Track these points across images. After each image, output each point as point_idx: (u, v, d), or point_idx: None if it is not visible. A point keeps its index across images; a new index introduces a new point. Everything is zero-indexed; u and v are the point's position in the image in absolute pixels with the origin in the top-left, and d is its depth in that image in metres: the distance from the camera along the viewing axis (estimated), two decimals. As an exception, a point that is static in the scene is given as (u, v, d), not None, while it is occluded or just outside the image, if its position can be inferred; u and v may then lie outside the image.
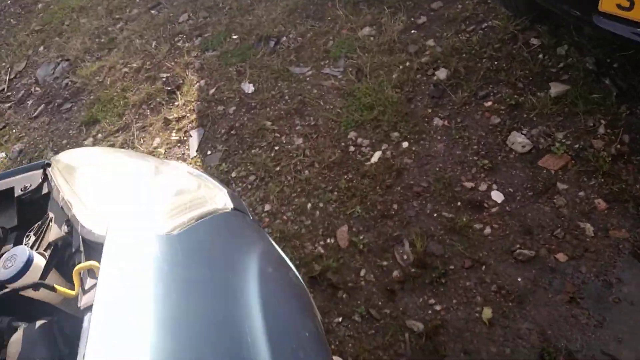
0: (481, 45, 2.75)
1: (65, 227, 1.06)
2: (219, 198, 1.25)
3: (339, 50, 3.06)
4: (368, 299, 1.93)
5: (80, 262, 0.95)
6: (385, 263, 2.03)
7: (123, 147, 2.91)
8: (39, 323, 0.94)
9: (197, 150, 2.74)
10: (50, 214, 1.19)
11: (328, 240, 2.16)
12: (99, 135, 3.08)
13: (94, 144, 3.02)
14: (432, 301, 1.87)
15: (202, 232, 1.04)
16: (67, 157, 1.41)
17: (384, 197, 2.24)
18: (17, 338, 1.01)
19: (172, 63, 3.40)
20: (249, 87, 3.00)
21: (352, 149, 2.48)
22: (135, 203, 1.12)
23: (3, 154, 3.28)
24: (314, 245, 2.16)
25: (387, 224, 2.15)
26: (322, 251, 2.12)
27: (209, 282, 0.91)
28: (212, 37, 3.55)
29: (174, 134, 2.87)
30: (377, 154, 2.42)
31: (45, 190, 1.33)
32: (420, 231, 2.07)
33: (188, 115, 2.95)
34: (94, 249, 0.94)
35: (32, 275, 0.99)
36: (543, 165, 2.15)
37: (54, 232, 1.11)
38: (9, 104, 3.71)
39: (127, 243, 0.92)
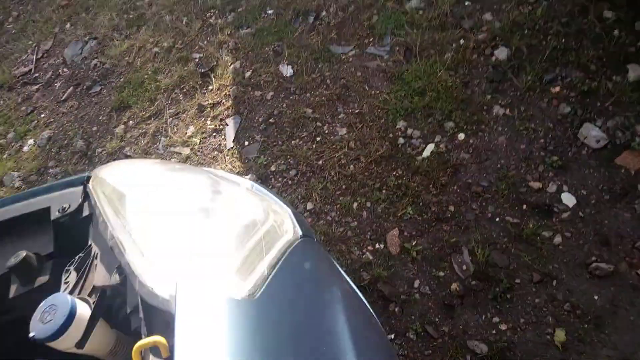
0: (546, 20, 2.44)
1: (117, 274, 0.91)
2: (287, 224, 1.11)
3: (384, 27, 2.79)
4: (423, 314, 1.78)
5: (137, 329, 0.80)
6: (441, 274, 1.86)
7: (156, 135, 2.78)
8: None
9: (233, 141, 2.58)
10: (95, 248, 1.05)
11: (377, 245, 2.00)
12: (130, 122, 2.96)
13: (125, 132, 2.90)
14: (496, 319, 1.70)
15: (283, 281, 0.90)
16: (109, 175, 1.26)
17: (438, 197, 2.04)
18: None
19: (205, 42, 3.20)
20: (287, 70, 2.79)
21: (401, 141, 2.28)
22: (201, 250, 0.96)
23: (32, 141, 3.21)
24: (361, 250, 2.00)
25: (442, 228, 1.97)
26: (371, 257, 1.97)
27: (298, 344, 0.77)
28: (246, 12, 3.31)
29: (209, 122, 2.72)
30: (430, 147, 2.21)
31: (85, 212, 1.18)
32: (480, 238, 1.88)
33: (223, 101, 2.78)
34: (154, 313, 0.78)
35: (75, 331, 0.86)
36: (621, 164, 1.90)
37: (101, 275, 0.97)
38: (37, 86, 3.62)
39: (201, 313, 0.75)
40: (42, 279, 1.12)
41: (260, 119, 2.61)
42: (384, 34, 2.77)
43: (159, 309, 0.77)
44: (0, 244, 1.23)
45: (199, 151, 2.60)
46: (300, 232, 1.12)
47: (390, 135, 2.31)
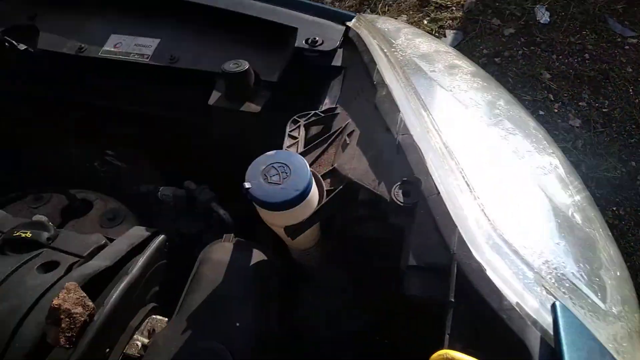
0: None
1: (399, 189, 0.55)
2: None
3: (694, 32, 2.08)
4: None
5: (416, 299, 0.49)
6: None
7: (363, 9, 2.36)
8: None
9: (443, 58, 2.11)
10: (348, 120, 0.71)
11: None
12: (342, -24, 2.54)
13: (332, -17, 2.50)
14: None
15: None
16: (400, 36, 0.87)
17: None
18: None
19: None
20: (543, 15, 2.20)
21: (643, 178, 1.72)
22: (576, 261, 0.55)
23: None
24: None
25: None
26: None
27: None
28: None
29: (426, 22, 2.25)
30: (677, 208, 1.64)
31: (338, 61, 0.85)
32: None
33: (453, 8, 2.27)
34: (471, 308, 0.45)
35: (296, 214, 0.58)
36: None
37: (353, 164, 0.63)
38: None
39: None
40: (252, 107, 0.84)
41: (485, 52, 2.10)
42: (690, 40, 2.07)
43: (487, 311, 0.44)
44: (224, 37, 0.95)
45: (401, 46, 2.17)
46: None
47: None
